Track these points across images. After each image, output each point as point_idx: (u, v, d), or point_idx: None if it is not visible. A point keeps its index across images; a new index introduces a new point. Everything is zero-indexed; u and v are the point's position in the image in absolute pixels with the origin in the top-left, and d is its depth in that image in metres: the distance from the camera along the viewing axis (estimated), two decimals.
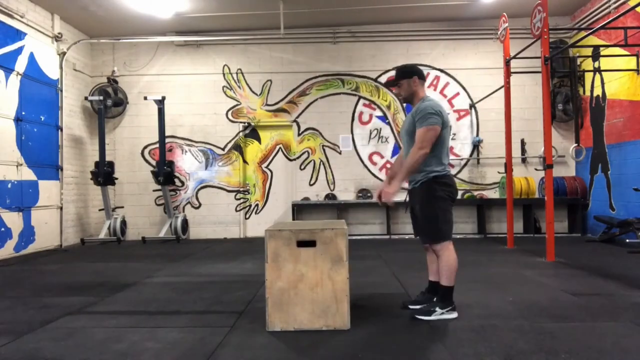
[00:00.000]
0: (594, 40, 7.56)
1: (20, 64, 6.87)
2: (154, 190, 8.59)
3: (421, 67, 8.80)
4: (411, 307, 3.34)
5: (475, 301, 3.57)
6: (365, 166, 8.57)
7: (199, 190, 8.68)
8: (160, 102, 7.94)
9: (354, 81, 8.62)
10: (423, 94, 3.33)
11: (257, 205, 8.79)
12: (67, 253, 6.94)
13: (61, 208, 7.67)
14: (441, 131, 3.15)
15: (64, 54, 7.81)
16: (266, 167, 8.81)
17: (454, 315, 3.14)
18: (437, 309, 3.12)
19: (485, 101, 8.16)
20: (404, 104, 8.55)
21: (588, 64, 7.95)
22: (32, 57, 7.12)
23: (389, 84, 3.45)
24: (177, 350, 2.65)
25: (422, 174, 3.18)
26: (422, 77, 3.35)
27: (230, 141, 8.71)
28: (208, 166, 8.70)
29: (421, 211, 3.20)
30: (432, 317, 3.09)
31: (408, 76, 3.30)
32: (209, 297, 3.91)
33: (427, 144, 3.07)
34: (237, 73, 8.72)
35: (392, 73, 8.58)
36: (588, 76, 7.96)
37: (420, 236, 3.35)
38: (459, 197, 8.80)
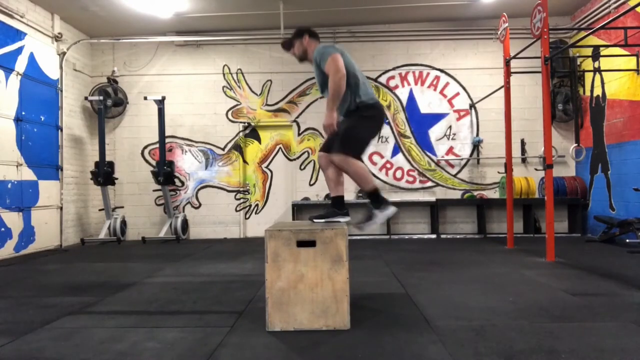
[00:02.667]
0: (594, 40, 7.56)
1: (20, 64, 6.87)
2: (154, 190, 8.59)
3: (421, 67, 8.81)
4: (318, 220, 3.30)
5: (475, 301, 3.57)
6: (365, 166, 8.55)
7: (199, 190, 8.68)
8: (160, 102, 7.94)
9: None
10: (314, 46, 3.46)
11: (257, 205, 8.79)
12: (67, 253, 6.94)
13: (61, 208, 7.67)
14: (344, 59, 3.27)
15: (64, 54, 7.81)
16: (266, 167, 8.81)
17: (393, 208, 3.28)
18: (376, 212, 3.26)
19: (485, 101, 8.16)
20: (406, 105, 8.56)
21: (588, 64, 7.96)
22: (32, 57, 7.12)
23: (284, 46, 3.61)
24: (177, 350, 2.65)
25: (347, 105, 3.32)
26: (314, 35, 3.51)
27: (230, 141, 8.71)
28: (208, 166, 8.70)
29: (344, 124, 3.32)
30: (378, 220, 3.28)
31: (299, 36, 3.49)
32: (209, 297, 3.91)
33: (340, 69, 3.17)
34: (237, 73, 8.72)
35: (392, 73, 8.61)
36: (588, 76, 7.96)
37: (327, 148, 3.39)
38: (459, 197, 8.84)
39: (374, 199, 3.31)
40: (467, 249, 6.62)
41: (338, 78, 3.17)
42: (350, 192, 8.52)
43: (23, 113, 6.86)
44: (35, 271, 5.37)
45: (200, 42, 8.69)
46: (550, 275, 4.53)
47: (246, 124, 8.74)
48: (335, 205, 3.36)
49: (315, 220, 3.28)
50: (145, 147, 8.72)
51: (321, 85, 3.43)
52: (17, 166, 6.69)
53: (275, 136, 8.81)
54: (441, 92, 8.59)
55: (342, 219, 3.30)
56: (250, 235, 8.72)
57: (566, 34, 8.39)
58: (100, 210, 8.41)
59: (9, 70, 6.62)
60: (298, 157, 8.64)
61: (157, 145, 8.20)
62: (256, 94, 8.71)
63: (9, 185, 6.52)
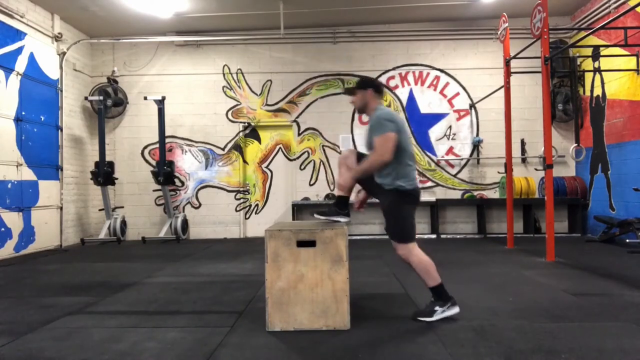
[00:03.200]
0: (594, 40, 7.56)
1: (20, 64, 6.87)
2: (154, 190, 8.59)
3: (421, 67, 8.81)
4: (317, 215, 3.34)
5: (475, 301, 3.57)
6: None
7: (199, 190, 8.68)
8: (160, 102, 7.94)
9: (354, 81, 8.61)
10: (375, 105, 3.36)
11: (257, 205, 8.79)
12: (67, 253, 6.94)
13: (61, 208, 7.67)
14: (399, 138, 3.15)
15: (64, 54, 7.81)
16: (266, 167, 8.81)
17: (456, 310, 3.13)
18: (437, 307, 3.11)
19: (485, 101, 8.16)
20: (405, 105, 8.56)
21: (588, 64, 7.96)
22: (32, 57, 7.12)
23: (346, 92, 3.57)
24: (177, 350, 2.65)
25: (388, 182, 3.18)
26: (379, 91, 3.41)
27: (230, 141, 8.71)
28: (208, 166, 8.70)
29: (386, 215, 3.24)
30: (435, 317, 3.09)
31: (363, 88, 3.39)
32: (209, 297, 3.91)
33: (386, 152, 3.07)
34: (237, 73, 8.72)
35: (392, 73, 8.61)
36: (588, 76, 7.96)
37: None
38: (459, 197, 8.83)
39: (438, 295, 3.14)
40: (467, 249, 6.62)
41: (379, 162, 3.09)
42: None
43: (23, 113, 6.86)
44: (35, 271, 5.37)
45: (200, 42, 8.69)
46: (550, 275, 4.53)
47: (246, 124, 8.74)
48: (338, 205, 3.30)
49: (316, 215, 3.29)
50: (145, 147, 8.72)
51: (367, 144, 3.33)
52: (17, 166, 6.69)
53: (275, 136, 8.81)
54: (441, 92, 8.59)
55: (342, 219, 3.25)
56: (250, 235, 8.72)
57: (566, 34, 8.39)
58: (100, 210, 8.41)
59: (9, 70, 6.62)
60: (298, 157, 8.64)
61: (157, 145, 8.19)
62: (256, 94, 8.70)
63: (9, 185, 6.52)
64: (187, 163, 8.70)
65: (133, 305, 3.72)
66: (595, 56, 7.67)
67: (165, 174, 7.81)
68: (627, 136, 6.91)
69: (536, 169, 8.39)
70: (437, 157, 8.53)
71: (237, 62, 8.73)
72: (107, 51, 8.78)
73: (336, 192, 3.39)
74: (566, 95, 8.15)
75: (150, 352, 2.63)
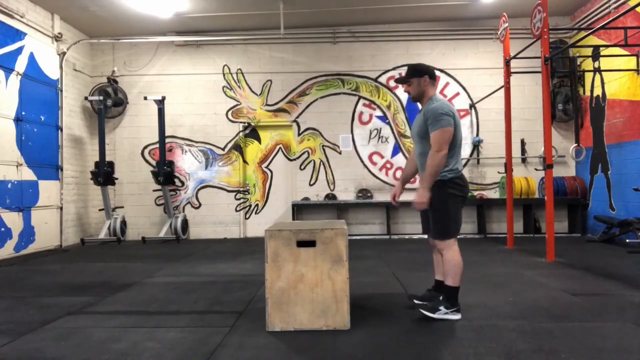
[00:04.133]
0: (594, 40, 7.56)
1: (20, 64, 6.86)
2: (154, 190, 8.59)
3: None
4: (416, 301, 3.36)
5: (475, 301, 3.57)
6: (366, 166, 8.57)
7: (199, 190, 8.68)
8: (160, 102, 7.94)
9: (354, 81, 8.62)
10: (432, 93, 3.29)
11: (257, 205, 8.79)
12: (67, 253, 6.94)
13: (61, 208, 7.67)
14: (454, 131, 3.14)
15: (64, 54, 7.81)
16: (266, 167, 8.81)
17: (458, 316, 3.13)
18: (442, 307, 3.11)
19: (485, 101, 8.16)
20: (406, 105, 8.56)
21: (588, 64, 7.95)
22: (32, 57, 7.12)
23: (399, 81, 3.43)
24: (177, 350, 2.65)
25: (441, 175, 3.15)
26: (433, 77, 3.33)
27: (230, 141, 8.71)
28: (208, 166, 8.70)
29: (433, 206, 3.17)
30: (436, 315, 3.09)
31: (419, 75, 3.27)
32: (209, 297, 3.91)
33: (445, 146, 3.06)
34: (237, 73, 8.72)
35: (392, 73, 8.60)
36: (588, 76, 7.96)
37: (429, 232, 3.32)
38: None
39: (450, 297, 3.12)
40: (467, 249, 6.61)
41: (441, 157, 3.04)
42: (350, 192, 8.53)
43: (23, 113, 6.86)
44: (36, 271, 5.37)
45: (200, 42, 8.69)
46: (550, 275, 4.53)
47: (246, 124, 8.73)
48: (449, 298, 3.13)
49: (425, 312, 3.10)
50: (145, 147, 8.72)
51: (418, 131, 3.27)
52: (17, 166, 6.69)
53: (275, 136, 8.81)
54: (441, 92, 8.58)
55: (452, 317, 3.08)
56: (250, 235, 8.72)
57: (566, 34, 8.39)
58: (100, 210, 8.41)
59: (9, 70, 6.62)
60: (298, 157, 8.64)
61: (157, 145, 8.19)
62: (256, 94, 8.70)
63: (9, 185, 6.52)
64: (187, 163, 8.70)
65: (133, 305, 3.72)
66: (595, 56, 7.66)
67: (165, 174, 7.81)
68: (627, 136, 6.91)
69: (536, 169, 8.39)
70: None
71: (237, 62, 8.72)
72: (107, 51, 8.78)
73: (448, 282, 3.13)
74: (566, 95, 8.15)
75: (150, 352, 2.63)
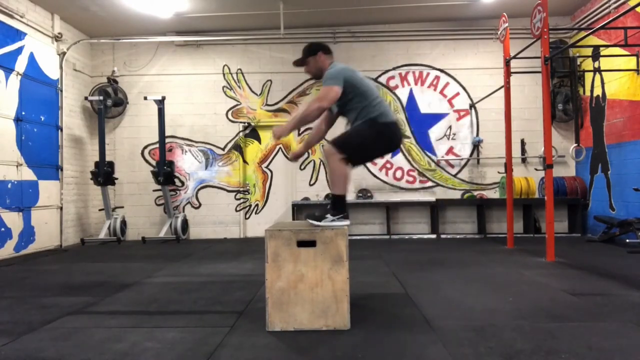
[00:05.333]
0: (594, 40, 7.56)
1: (20, 64, 6.87)
2: (154, 190, 8.59)
3: (421, 67, 8.80)
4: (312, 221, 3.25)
5: (475, 301, 3.57)
6: (365, 166, 8.57)
7: (199, 190, 8.68)
8: (160, 102, 7.94)
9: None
10: (328, 63, 3.39)
11: (257, 205, 8.79)
12: (67, 253, 6.94)
13: (61, 208, 7.67)
14: (351, 83, 3.21)
15: (64, 54, 7.81)
16: (266, 167, 8.81)
17: (346, 222, 3.11)
18: (329, 215, 3.11)
19: (485, 101, 8.16)
20: (406, 105, 8.56)
21: (588, 64, 7.96)
22: (32, 57, 7.12)
23: (297, 64, 3.53)
24: (177, 350, 2.65)
25: (360, 117, 3.25)
26: (328, 52, 3.44)
27: (230, 141, 8.71)
28: (208, 166, 8.70)
29: (354, 126, 3.29)
30: (323, 223, 3.05)
31: (313, 53, 3.40)
32: (209, 297, 3.91)
33: (324, 101, 3.14)
34: (237, 73, 8.72)
35: (392, 73, 8.61)
36: (588, 76, 7.96)
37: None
38: (459, 197, 8.81)
39: (336, 204, 3.14)
40: (467, 249, 6.62)
41: (315, 107, 3.15)
42: (350, 192, 8.52)
43: (23, 113, 6.86)
44: (35, 271, 5.37)
45: (200, 42, 8.69)
46: (550, 275, 4.52)
47: (246, 124, 8.73)
48: (336, 206, 3.17)
49: (310, 221, 3.13)
50: (145, 147, 8.72)
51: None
52: (17, 166, 6.69)
53: None
54: (441, 92, 8.59)
55: (341, 223, 3.09)
56: (250, 235, 8.72)
57: (566, 34, 8.39)
58: (100, 210, 8.41)
59: (9, 70, 6.62)
60: None
61: (157, 145, 8.19)
62: (256, 94, 8.70)
63: (9, 185, 6.52)
64: (187, 163, 8.70)
65: (133, 305, 3.72)
66: (595, 56, 7.67)
67: (165, 174, 7.81)
68: (627, 136, 6.91)
69: (536, 169, 8.39)
70: (437, 157, 8.53)
71: (237, 62, 8.73)
72: (107, 51, 8.78)
73: (335, 191, 3.20)
74: (566, 95, 8.15)
75: (150, 352, 2.63)
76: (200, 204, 8.67)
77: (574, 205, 8.04)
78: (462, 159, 8.54)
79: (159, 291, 4.18)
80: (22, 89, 6.87)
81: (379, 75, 8.60)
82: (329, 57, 3.41)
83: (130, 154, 8.71)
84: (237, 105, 8.71)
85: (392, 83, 8.60)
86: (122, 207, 8.63)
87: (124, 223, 8.31)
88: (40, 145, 7.24)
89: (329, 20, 8.30)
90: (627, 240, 6.39)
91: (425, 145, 8.55)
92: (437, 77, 8.59)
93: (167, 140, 8.31)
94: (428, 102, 8.56)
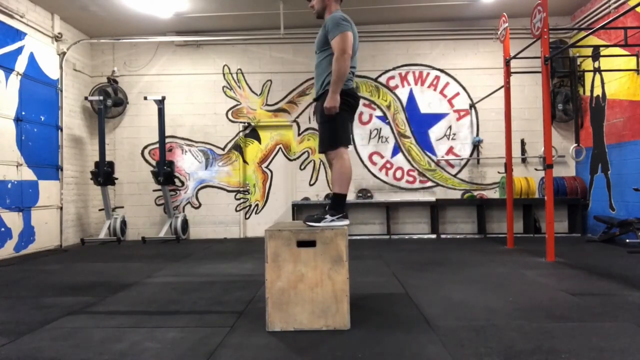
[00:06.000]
0: (594, 40, 7.56)
1: (20, 64, 6.87)
2: (154, 190, 8.59)
3: (421, 67, 8.79)
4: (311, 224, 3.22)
5: (475, 301, 3.57)
6: (365, 166, 8.57)
7: (199, 190, 8.68)
8: (160, 102, 7.94)
9: (355, 81, 8.60)
10: (335, 8, 3.43)
11: (257, 205, 8.79)
12: (67, 253, 6.94)
13: (61, 208, 7.67)
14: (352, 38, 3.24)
15: (64, 54, 7.81)
16: (266, 167, 8.81)
17: (345, 222, 3.12)
18: (328, 216, 3.11)
19: (485, 101, 8.17)
20: (405, 105, 8.56)
21: (588, 64, 7.96)
22: (32, 57, 7.12)
23: None
24: (177, 350, 2.65)
25: (324, 84, 3.26)
26: None
27: (230, 141, 8.71)
28: (208, 166, 8.70)
29: (320, 118, 3.29)
30: (322, 224, 3.06)
31: None
32: (209, 297, 3.91)
33: (348, 49, 3.16)
34: (237, 73, 8.72)
35: (392, 73, 8.61)
36: (588, 76, 7.96)
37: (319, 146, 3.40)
38: (459, 197, 8.82)
39: (335, 204, 3.15)
40: (467, 249, 6.62)
41: (344, 60, 3.13)
42: (350, 192, 8.52)
43: (23, 113, 6.86)
44: (35, 271, 5.37)
45: (200, 42, 8.69)
46: (550, 275, 4.53)
47: (246, 124, 8.74)
48: (335, 206, 3.18)
49: (309, 223, 3.10)
50: (145, 147, 8.72)
51: (318, 44, 3.39)
52: (17, 166, 6.69)
53: (275, 136, 8.81)
54: (441, 92, 8.59)
55: (341, 223, 3.09)
56: (250, 235, 8.72)
57: (566, 34, 8.39)
58: (100, 210, 8.41)
59: (9, 70, 6.62)
60: (298, 157, 8.64)
61: (157, 145, 8.20)
62: (256, 94, 8.70)
63: (9, 185, 6.52)
64: (187, 163, 8.70)
65: (133, 305, 3.72)
66: (595, 56, 7.67)
67: (165, 174, 7.82)
68: (627, 136, 6.91)
69: (536, 169, 8.39)
70: (437, 157, 8.53)
71: (237, 62, 8.73)
72: (107, 51, 8.78)
73: (335, 190, 3.23)
74: (566, 95, 8.15)
75: (150, 352, 2.63)
76: (200, 204, 8.67)
77: (574, 205, 8.04)
78: (462, 159, 8.54)
79: (159, 291, 4.18)
80: (22, 89, 6.87)
81: (379, 75, 8.60)
82: (337, 1, 3.43)
83: (130, 154, 8.71)
84: (237, 105, 8.71)
85: (392, 83, 8.60)
86: (122, 207, 8.63)
87: (124, 223, 8.31)
88: (40, 145, 7.24)
89: None
90: (627, 240, 6.39)
91: (425, 145, 8.55)
92: (437, 77, 8.59)
93: (167, 140, 8.31)
94: (428, 102, 8.56)
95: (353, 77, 3.36)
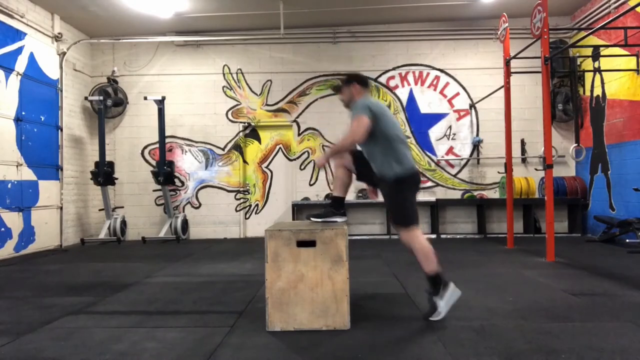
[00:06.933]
0: (594, 40, 7.56)
1: (20, 64, 6.86)
2: (154, 190, 8.59)
3: (421, 67, 8.79)
4: (314, 219, 3.37)
5: (475, 301, 3.57)
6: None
7: (199, 190, 8.68)
8: (160, 102, 7.94)
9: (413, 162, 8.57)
10: (359, 98, 3.42)
11: (257, 205, 8.79)
12: (67, 253, 6.94)
13: (61, 208, 7.67)
14: (377, 123, 3.19)
15: (64, 54, 7.81)
16: (266, 167, 8.81)
17: (458, 293, 3.12)
18: (438, 301, 3.09)
19: (485, 101, 8.16)
20: (405, 105, 8.56)
21: (588, 64, 7.95)
22: (32, 57, 7.12)
23: (334, 89, 3.68)
24: (177, 350, 2.65)
25: (386, 171, 3.24)
26: (364, 84, 3.49)
27: (230, 141, 8.71)
28: (208, 166, 8.70)
29: (387, 201, 3.36)
30: (442, 311, 3.07)
31: (348, 83, 3.46)
32: (209, 297, 3.91)
33: (357, 133, 3.14)
34: (237, 73, 8.72)
35: (392, 73, 8.61)
36: (588, 76, 7.96)
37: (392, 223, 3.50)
38: (459, 197, 8.80)
39: (435, 284, 3.13)
40: (467, 249, 6.62)
41: (349, 141, 3.18)
42: (350, 192, 8.49)
43: (23, 113, 6.86)
44: (35, 271, 5.37)
45: (200, 42, 8.69)
46: (550, 275, 4.53)
47: (246, 124, 8.73)
48: (334, 205, 3.34)
49: (312, 219, 3.31)
50: (145, 147, 8.72)
51: None
52: (17, 166, 6.69)
53: (275, 136, 8.81)
54: (441, 92, 8.58)
55: (339, 219, 3.29)
56: (250, 235, 8.72)
57: (566, 34, 8.39)
58: (100, 210, 8.41)
59: (9, 70, 6.62)
60: (298, 157, 8.64)
61: (157, 145, 8.19)
62: (256, 94, 8.70)
63: (9, 185, 6.52)
64: (187, 163, 8.70)
65: (133, 305, 3.72)
66: (595, 56, 7.67)
67: (165, 174, 7.81)
68: (627, 136, 6.91)
69: (536, 169, 8.39)
70: (437, 157, 8.53)
71: (237, 62, 8.72)
72: (107, 51, 8.78)
73: (334, 193, 3.43)
74: (566, 95, 8.15)
75: (150, 352, 2.63)
76: (200, 204, 8.67)
77: (574, 205, 8.04)
78: (462, 159, 8.54)
79: (159, 291, 4.18)
80: (22, 89, 6.87)
81: (379, 75, 8.60)
82: (363, 89, 3.46)
83: (130, 154, 8.71)
84: (237, 105, 8.71)
85: (392, 83, 8.60)
86: (122, 207, 8.63)
87: (124, 223, 8.31)
88: (40, 145, 7.24)
89: (329, 20, 8.30)
90: (627, 240, 6.39)
91: (425, 145, 8.54)
92: (437, 77, 8.59)
93: (167, 140, 8.31)
94: (428, 102, 8.56)
95: (409, 160, 3.29)
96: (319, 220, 3.27)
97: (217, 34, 8.58)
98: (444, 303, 3.08)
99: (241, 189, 8.70)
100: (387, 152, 3.21)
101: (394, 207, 3.31)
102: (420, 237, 3.22)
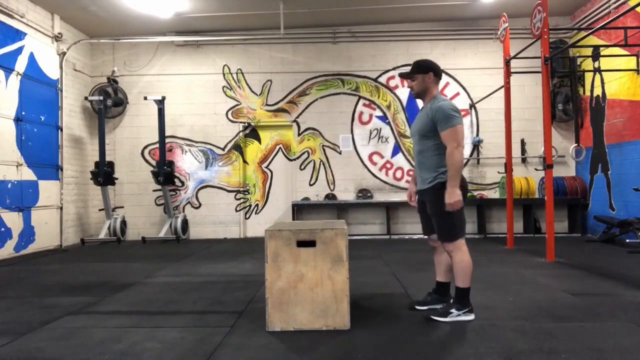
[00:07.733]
0: (594, 40, 7.55)
1: (20, 64, 6.86)
2: (154, 190, 8.59)
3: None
4: (418, 307, 3.34)
5: (475, 301, 3.56)
6: (365, 166, 8.57)
7: (199, 190, 8.68)
8: (160, 102, 7.94)
9: (354, 81, 8.62)
10: (436, 91, 3.26)
11: (257, 205, 8.79)
12: (67, 253, 6.94)
13: (61, 208, 7.67)
14: None
15: (64, 54, 7.81)
16: (266, 167, 8.81)
17: (471, 317, 3.09)
18: (454, 310, 3.08)
19: (485, 101, 8.16)
20: (406, 105, 8.56)
21: (588, 64, 7.95)
22: (32, 57, 7.12)
23: (403, 75, 3.36)
24: (177, 350, 2.65)
25: (434, 174, 3.14)
26: (438, 75, 3.28)
27: (230, 141, 8.71)
28: (208, 166, 8.70)
29: (433, 209, 3.15)
30: (449, 319, 3.05)
31: (424, 71, 3.22)
32: (209, 297, 3.91)
33: (462, 141, 3.05)
34: (237, 73, 8.72)
35: (392, 73, 8.60)
36: (588, 76, 7.96)
37: (435, 234, 3.26)
38: None
39: (461, 298, 3.09)
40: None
41: (460, 153, 3.01)
42: (350, 192, 8.53)
43: (23, 113, 6.86)
44: (35, 271, 5.37)
45: (200, 42, 8.69)
46: (550, 275, 4.53)
47: (246, 124, 8.73)
48: (461, 299, 3.10)
49: (436, 318, 3.07)
50: (145, 147, 8.72)
51: (421, 129, 3.20)
52: (17, 166, 6.69)
53: (275, 136, 8.81)
54: (441, 92, 8.53)
55: (465, 318, 3.06)
56: (250, 235, 8.72)
57: (566, 34, 8.39)
58: (100, 210, 8.41)
59: (9, 70, 6.62)
60: (298, 157, 8.64)
61: (157, 145, 8.19)
62: (256, 94, 8.70)
63: (9, 185, 6.52)
64: (187, 163, 8.70)
65: (133, 305, 3.72)
66: (595, 56, 7.66)
67: (165, 174, 7.81)
68: (627, 136, 6.91)
69: (536, 169, 8.39)
70: None
71: (237, 62, 8.72)
72: (107, 51, 8.78)
73: (459, 284, 3.12)
74: (566, 95, 8.15)
75: (150, 352, 2.63)
76: (200, 204, 8.67)
77: (574, 205, 8.04)
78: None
79: (159, 291, 4.18)
80: (22, 89, 6.87)
81: (379, 75, 8.60)
82: (437, 81, 3.26)
83: (130, 154, 8.71)
84: (237, 105, 8.71)
85: (392, 83, 8.60)
86: (122, 207, 8.63)
87: (124, 223, 8.31)
88: (40, 145, 7.24)
89: (329, 20, 8.30)
90: (627, 240, 6.39)
91: None
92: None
93: (167, 140, 8.31)
94: None
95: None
96: (445, 320, 3.04)
97: (217, 34, 8.58)
98: (455, 317, 3.05)
99: (241, 189, 8.70)
100: (439, 158, 3.11)
101: (441, 216, 3.09)
102: (465, 250, 3.14)
